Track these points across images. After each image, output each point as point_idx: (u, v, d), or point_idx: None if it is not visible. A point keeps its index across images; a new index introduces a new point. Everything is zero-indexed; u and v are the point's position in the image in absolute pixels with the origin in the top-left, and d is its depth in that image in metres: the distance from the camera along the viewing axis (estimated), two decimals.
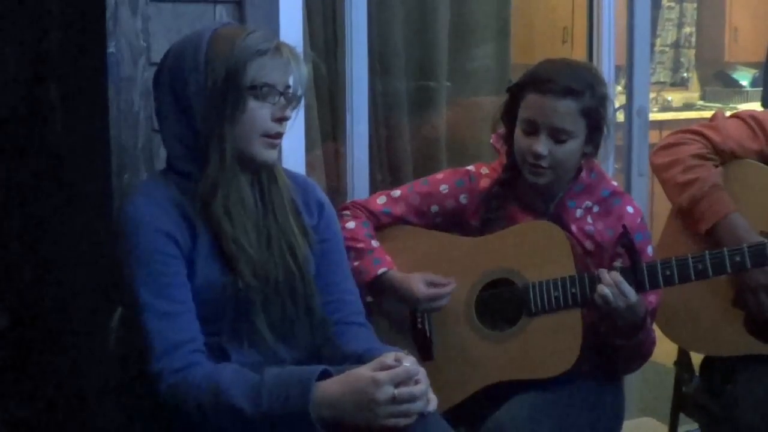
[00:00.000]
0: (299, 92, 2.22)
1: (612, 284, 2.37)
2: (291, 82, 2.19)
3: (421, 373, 2.04)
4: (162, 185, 2.18)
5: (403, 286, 2.54)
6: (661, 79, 7.35)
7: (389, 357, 2.04)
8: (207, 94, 2.12)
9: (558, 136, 2.46)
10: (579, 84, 2.45)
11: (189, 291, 2.12)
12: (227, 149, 2.12)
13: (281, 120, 2.17)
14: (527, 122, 2.48)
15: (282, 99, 2.16)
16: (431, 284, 2.53)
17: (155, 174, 2.33)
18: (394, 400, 1.98)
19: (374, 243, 2.60)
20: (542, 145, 2.45)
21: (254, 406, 1.99)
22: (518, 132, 2.51)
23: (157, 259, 2.10)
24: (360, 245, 2.57)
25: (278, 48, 2.16)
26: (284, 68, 2.17)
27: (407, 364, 2.02)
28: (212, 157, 2.13)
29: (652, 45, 7.22)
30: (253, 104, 2.13)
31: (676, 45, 7.39)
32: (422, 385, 2.02)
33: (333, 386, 1.99)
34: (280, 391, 1.99)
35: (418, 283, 2.53)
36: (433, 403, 2.04)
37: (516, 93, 2.53)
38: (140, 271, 2.09)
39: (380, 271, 2.55)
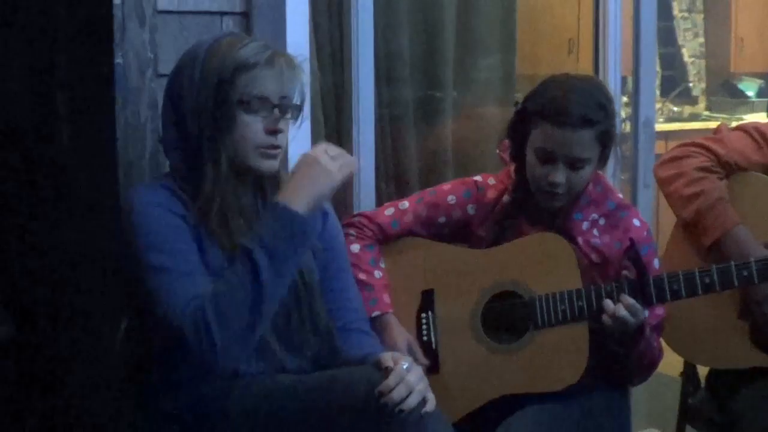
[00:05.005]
0: (297, 102, 2.22)
1: (626, 308, 2.37)
2: (288, 92, 2.19)
3: (419, 371, 2.05)
4: (168, 189, 2.19)
5: (390, 334, 2.53)
6: (693, 93, 7.36)
7: (387, 357, 2.06)
8: (199, 108, 2.14)
9: (575, 164, 2.46)
10: (594, 111, 2.44)
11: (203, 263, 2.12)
12: (222, 162, 2.14)
13: (275, 132, 2.17)
14: (543, 152, 2.47)
15: (276, 111, 2.16)
16: (411, 351, 2.52)
17: (160, 176, 2.33)
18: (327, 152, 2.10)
19: (377, 274, 2.59)
20: (560, 175, 2.45)
21: (262, 254, 2.03)
22: (532, 159, 2.50)
23: (169, 231, 2.11)
24: (362, 276, 2.55)
25: (271, 59, 2.15)
26: (277, 79, 2.16)
27: (404, 364, 2.03)
28: (207, 170, 2.14)
29: (682, 56, 7.24)
30: (244, 117, 2.14)
31: (693, 56, 7.41)
32: (421, 384, 2.03)
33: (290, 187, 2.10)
34: (276, 230, 2.05)
35: (402, 339, 2.54)
36: (431, 402, 2.05)
37: (525, 117, 2.52)
38: (152, 240, 2.09)
39: (374, 314, 2.54)
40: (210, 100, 2.13)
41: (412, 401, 1.99)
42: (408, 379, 2.01)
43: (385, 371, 2.03)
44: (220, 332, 2.00)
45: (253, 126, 2.15)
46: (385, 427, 1.99)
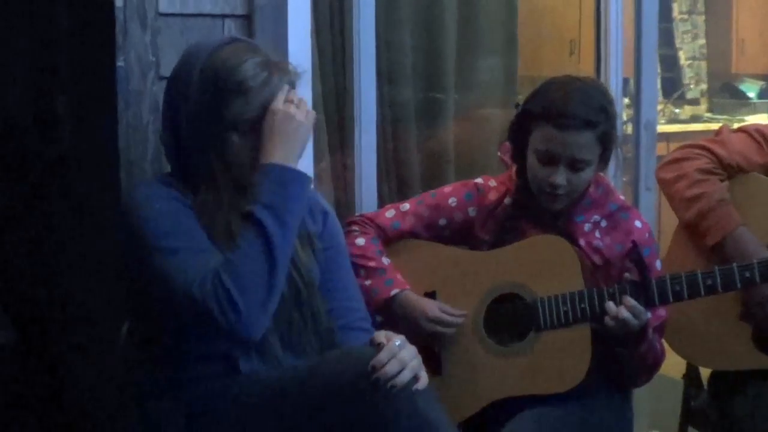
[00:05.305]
0: None
1: (628, 310, 2.37)
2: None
3: (413, 350, 2.06)
4: (168, 184, 2.20)
5: (416, 305, 2.54)
6: (688, 96, 7.34)
7: (380, 334, 2.08)
8: (193, 122, 2.14)
9: (576, 165, 2.46)
10: (595, 113, 2.45)
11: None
12: (218, 177, 2.14)
13: None
14: (544, 154, 2.47)
15: None
16: (443, 310, 2.54)
17: (162, 175, 2.33)
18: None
19: (385, 260, 2.60)
20: (561, 176, 2.46)
21: (264, 211, 2.06)
22: (533, 161, 2.50)
23: (174, 215, 2.11)
24: (371, 264, 2.57)
25: (267, 81, 2.15)
26: (274, 99, 2.16)
27: (397, 341, 2.04)
28: (202, 183, 2.15)
29: (677, 59, 7.23)
30: (237, 140, 2.14)
31: (693, 58, 7.40)
32: (414, 361, 2.04)
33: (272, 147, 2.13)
34: (271, 187, 2.09)
35: (431, 304, 2.55)
36: (423, 380, 2.06)
37: (526, 119, 2.52)
38: (160, 226, 2.09)
39: (393, 292, 2.55)
40: (203, 118, 2.13)
41: (404, 377, 2.00)
42: (401, 355, 2.02)
43: (378, 347, 2.03)
44: (242, 297, 2.01)
45: (245, 147, 2.16)
46: (376, 403, 1.99)
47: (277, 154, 2.11)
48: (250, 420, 2.11)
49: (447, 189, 2.71)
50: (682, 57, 7.33)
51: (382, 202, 3.22)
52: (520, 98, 2.69)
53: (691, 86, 7.41)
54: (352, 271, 2.43)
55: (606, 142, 2.48)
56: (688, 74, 7.35)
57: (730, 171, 2.74)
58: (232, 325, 2.01)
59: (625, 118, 3.74)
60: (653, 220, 3.60)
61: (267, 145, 2.13)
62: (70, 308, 2.81)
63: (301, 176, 2.13)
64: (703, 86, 7.47)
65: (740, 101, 7.32)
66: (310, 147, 2.85)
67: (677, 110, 7.17)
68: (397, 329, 2.41)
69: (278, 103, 2.14)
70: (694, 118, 7.20)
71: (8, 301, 2.97)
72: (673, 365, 2.84)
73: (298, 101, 2.16)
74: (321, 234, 2.32)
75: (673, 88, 7.21)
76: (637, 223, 2.57)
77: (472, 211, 2.65)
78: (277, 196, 2.08)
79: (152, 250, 2.07)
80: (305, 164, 2.80)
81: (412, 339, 2.49)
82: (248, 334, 2.04)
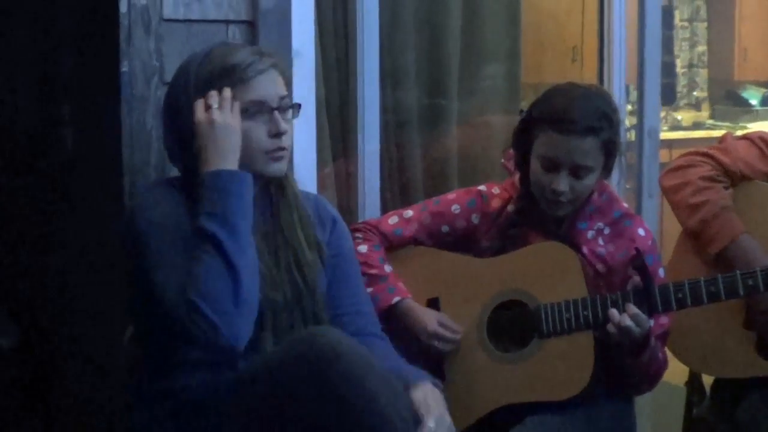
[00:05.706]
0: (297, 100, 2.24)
1: (631, 317, 2.37)
2: (286, 92, 2.20)
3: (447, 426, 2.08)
4: (171, 186, 2.20)
5: (416, 317, 2.54)
6: (680, 103, 7.35)
7: (421, 400, 2.11)
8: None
9: (579, 171, 2.46)
10: (598, 120, 2.45)
11: None
12: None
13: (279, 135, 2.17)
14: (547, 159, 2.47)
15: (276, 113, 2.17)
16: (442, 324, 2.54)
17: (167, 179, 2.33)
18: None
19: (387, 268, 2.59)
20: (563, 183, 2.45)
21: (208, 220, 2.04)
22: (536, 167, 2.50)
23: (168, 228, 2.10)
24: (373, 271, 2.56)
25: (263, 62, 2.16)
26: (273, 82, 2.17)
27: (431, 423, 2.06)
28: None
29: (674, 66, 7.25)
30: (244, 124, 2.13)
31: (690, 65, 7.41)
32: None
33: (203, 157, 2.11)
34: (210, 195, 2.06)
35: (431, 317, 2.54)
36: None
37: (530, 125, 2.53)
38: (156, 242, 2.08)
39: (395, 300, 2.54)
40: None
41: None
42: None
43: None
44: (210, 308, 1.99)
45: (255, 131, 2.15)
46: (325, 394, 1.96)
47: (211, 163, 2.09)
48: (239, 414, 2.10)
49: (450, 196, 2.71)
50: (679, 65, 7.34)
51: (385, 209, 3.22)
52: (524, 104, 2.69)
53: (694, 93, 7.42)
54: (360, 276, 2.43)
55: (609, 149, 2.48)
56: (681, 82, 7.36)
57: (733, 178, 2.74)
58: (211, 337, 2.00)
59: (627, 124, 3.74)
60: (656, 227, 3.60)
61: (201, 158, 2.11)
62: (74, 312, 2.82)
63: (237, 175, 2.09)
64: (700, 93, 7.48)
65: (742, 108, 7.33)
66: (313, 153, 2.86)
67: (679, 117, 7.18)
68: (399, 337, 2.43)
69: (198, 115, 2.12)
70: (696, 125, 7.21)
71: (12, 305, 2.97)
72: (676, 372, 2.84)
73: (220, 101, 2.13)
74: (328, 241, 2.32)
75: (672, 95, 7.22)
76: (641, 231, 2.57)
77: (475, 218, 2.65)
78: (217, 202, 2.06)
79: (147, 263, 2.08)
80: (309, 170, 2.82)
81: (414, 347, 2.51)
82: (229, 343, 2.02)
